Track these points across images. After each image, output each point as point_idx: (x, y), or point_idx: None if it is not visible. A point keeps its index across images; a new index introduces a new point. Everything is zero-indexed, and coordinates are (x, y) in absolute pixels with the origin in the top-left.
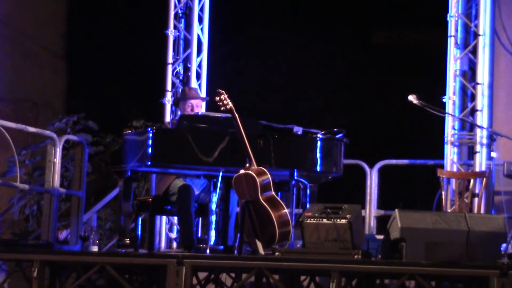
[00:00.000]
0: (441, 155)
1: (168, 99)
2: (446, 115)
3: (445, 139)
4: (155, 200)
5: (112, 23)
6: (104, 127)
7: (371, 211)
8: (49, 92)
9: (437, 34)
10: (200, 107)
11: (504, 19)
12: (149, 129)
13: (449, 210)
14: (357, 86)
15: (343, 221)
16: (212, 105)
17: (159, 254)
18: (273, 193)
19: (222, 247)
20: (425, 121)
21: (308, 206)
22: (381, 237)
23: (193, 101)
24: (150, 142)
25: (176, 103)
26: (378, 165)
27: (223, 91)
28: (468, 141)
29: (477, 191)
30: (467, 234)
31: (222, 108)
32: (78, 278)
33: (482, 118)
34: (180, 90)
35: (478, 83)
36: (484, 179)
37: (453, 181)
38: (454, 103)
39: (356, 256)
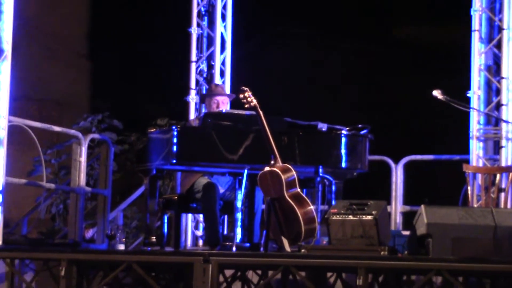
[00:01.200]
0: (466, 150)
1: (192, 97)
2: (471, 109)
3: (471, 134)
4: (181, 198)
5: (135, 22)
6: (128, 125)
7: (396, 207)
8: (74, 91)
9: (461, 29)
10: (226, 104)
11: None
12: (174, 127)
13: (475, 205)
14: (381, 82)
15: (369, 217)
16: (236, 102)
17: (185, 252)
18: (299, 190)
19: (248, 244)
20: (450, 116)
21: (333, 202)
22: (407, 233)
23: (219, 98)
24: (175, 140)
25: (202, 100)
26: (403, 160)
27: (247, 89)
28: (494, 136)
29: (503, 185)
30: (494, 229)
31: (246, 106)
32: (105, 277)
33: (507, 113)
34: (204, 87)
35: (503, 77)
36: (510, 173)
37: (479, 176)
38: (479, 98)
39: (382, 253)
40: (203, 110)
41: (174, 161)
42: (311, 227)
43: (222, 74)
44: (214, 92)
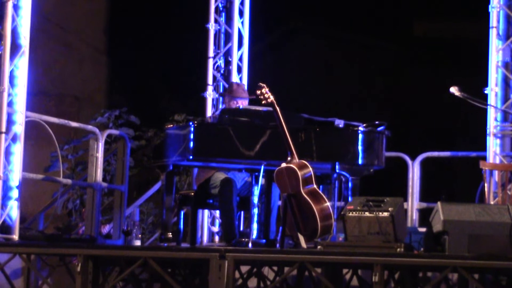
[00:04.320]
0: (483, 147)
1: (209, 93)
2: (489, 106)
3: (488, 130)
4: (197, 194)
5: (153, 17)
6: (145, 121)
7: (413, 204)
8: (91, 87)
9: (479, 25)
10: (244, 105)
11: None
12: (191, 123)
13: (492, 202)
14: (399, 78)
15: (385, 214)
16: (253, 98)
17: (202, 248)
18: (315, 186)
19: (264, 240)
20: (467, 113)
21: (350, 199)
22: (423, 229)
23: (239, 100)
24: (191, 136)
25: (222, 95)
26: (420, 157)
27: (264, 85)
28: (511, 133)
29: None
30: (511, 227)
31: (263, 102)
32: (121, 272)
33: None
34: (221, 84)
35: None
36: None
37: (496, 173)
38: (496, 95)
39: (398, 249)
40: (220, 106)
41: (191, 157)
42: (327, 223)
43: (239, 70)
44: (235, 93)
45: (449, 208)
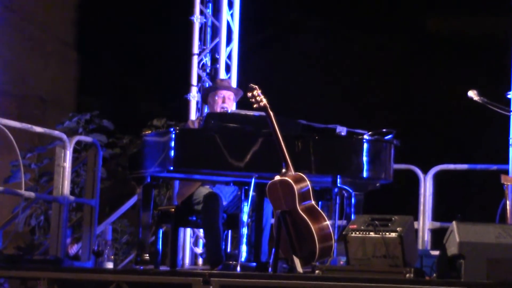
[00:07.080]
0: (505, 159)
1: (193, 94)
2: (511, 113)
3: (510, 140)
4: (178, 210)
5: (130, 8)
6: (120, 126)
7: (425, 223)
8: (58, 86)
9: (501, 22)
10: (232, 101)
11: None
12: (172, 130)
13: None
14: (409, 80)
15: (393, 234)
16: (244, 102)
17: (183, 272)
18: (313, 202)
19: (254, 264)
20: (487, 120)
21: (353, 217)
22: (436, 253)
23: (225, 93)
24: (172, 144)
25: (204, 99)
26: (433, 170)
27: (256, 86)
28: None
29: None
30: None
31: (255, 106)
32: None
33: None
34: (207, 84)
35: None
36: None
37: None
38: None
39: (408, 275)
40: (206, 110)
41: (172, 168)
42: (326, 245)
43: (227, 69)
44: (219, 86)
45: (465, 228)
